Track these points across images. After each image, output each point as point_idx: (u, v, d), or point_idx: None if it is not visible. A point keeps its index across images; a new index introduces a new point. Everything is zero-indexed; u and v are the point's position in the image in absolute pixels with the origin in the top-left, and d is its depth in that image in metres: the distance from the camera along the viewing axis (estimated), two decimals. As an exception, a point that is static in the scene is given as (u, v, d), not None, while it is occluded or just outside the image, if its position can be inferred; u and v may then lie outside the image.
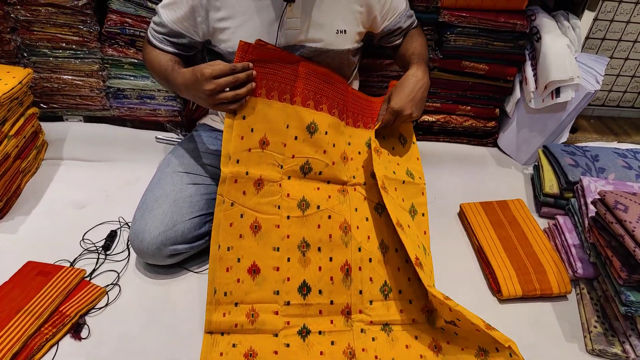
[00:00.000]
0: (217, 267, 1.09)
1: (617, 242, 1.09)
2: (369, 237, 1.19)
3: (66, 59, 1.57)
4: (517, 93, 1.66)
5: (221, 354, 1.04)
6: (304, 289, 1.12)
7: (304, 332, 1.10)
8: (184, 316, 1.13)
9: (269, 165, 1.16)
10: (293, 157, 1.18)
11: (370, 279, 1.15)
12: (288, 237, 1.14)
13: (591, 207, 1.23)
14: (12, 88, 1.33)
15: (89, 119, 1.71)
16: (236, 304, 1.09)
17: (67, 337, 1.06)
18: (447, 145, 1.76)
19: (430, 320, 1.14)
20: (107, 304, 1.14)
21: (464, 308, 1.03)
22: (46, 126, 1.60)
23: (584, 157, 1.47)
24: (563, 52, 1.50)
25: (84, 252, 1.26)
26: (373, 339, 1.11)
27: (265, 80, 1.14)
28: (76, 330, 1.07)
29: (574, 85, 1.50)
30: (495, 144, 1.79)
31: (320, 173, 1.21)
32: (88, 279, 1.18)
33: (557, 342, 1.15)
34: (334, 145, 1.23)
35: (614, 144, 1.76)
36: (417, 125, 1.75)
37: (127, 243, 1.28)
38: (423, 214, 1.28)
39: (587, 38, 1.78)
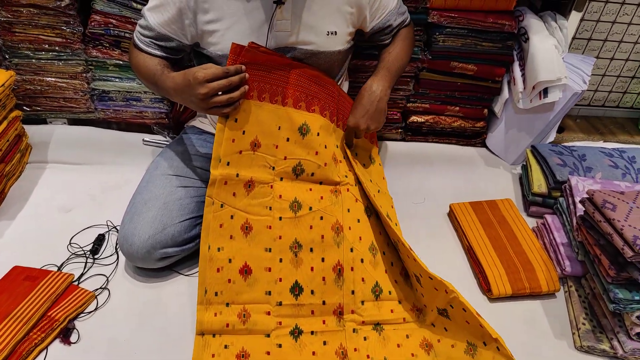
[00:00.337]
0: (208, 268, 1.08)
1: (605, 241, 1.11)
2: (360, 238, 1.19)
3: (49, 61, 1.54)
4: (506, 93, 1.67)
5: (213, 356, 1.03)
6: (296, 289, 1.12)
7: (296, 333, 1.09)
8: (174, 319, 1.13)
9: (260, 167, 1.16)
10: (285, 158, 1.18)
11: (362, 279, 1.16)
12: (280, 238, 1.14)
13: (579, 206, 1.24)
14: (-5, 90, 1.31)
15: (73, 122, 1.68)
16: (227, 304, 1.08)
17: (57, 342, 1.05)
18: (436, 145, 1.77)
19: (420, 318, 1.15)
20: (96, 308, 1.13)
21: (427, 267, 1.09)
22: (30, 129, 1.57)
23: (572, 156, 1.49)
24: (551, 53, 1.51)
25: (72, 256, 1.24)
26: (365, 339, 1.11)
27: (257, 83, 1.14)
28: (65, 335, 1.05)
29: (562, 85, 1.52)
30: (483, 144, 1.80)
31: (312, 174, 1.21)
32: (76, 283, 1.17)
33: (547, 339, 1.17)
34: (325, 147, 1.23)
35: (600, 143, 1.79)
36: (406, 126, 1.75)
37: (116, 247, 1.27)
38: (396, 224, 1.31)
39: (573, 38, 1.79)
